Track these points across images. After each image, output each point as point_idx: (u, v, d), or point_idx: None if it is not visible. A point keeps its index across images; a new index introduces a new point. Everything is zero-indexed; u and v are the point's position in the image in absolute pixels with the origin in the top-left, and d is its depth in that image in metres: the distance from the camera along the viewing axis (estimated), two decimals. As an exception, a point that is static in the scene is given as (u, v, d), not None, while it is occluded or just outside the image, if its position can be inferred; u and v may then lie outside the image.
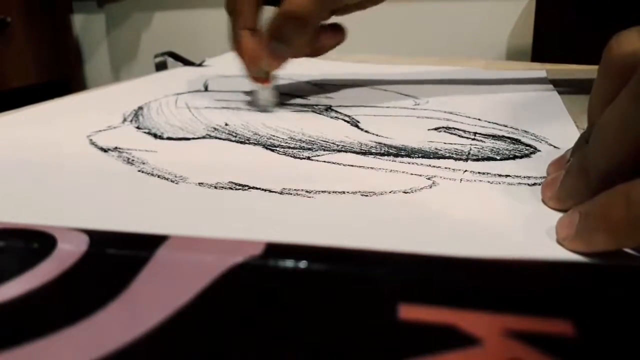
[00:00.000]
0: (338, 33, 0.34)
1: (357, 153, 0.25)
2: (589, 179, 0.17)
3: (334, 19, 0.34)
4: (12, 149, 0.26)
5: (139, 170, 0.22)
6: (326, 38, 0.33)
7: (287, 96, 0.37)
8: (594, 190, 0.16)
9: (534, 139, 0.26)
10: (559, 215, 0.17)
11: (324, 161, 0.24)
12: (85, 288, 0.14)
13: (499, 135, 0.27)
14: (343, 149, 0.25)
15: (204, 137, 0.27)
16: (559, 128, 0.28)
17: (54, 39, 1.31)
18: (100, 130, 0.28)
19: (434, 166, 0.23)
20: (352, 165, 0.23)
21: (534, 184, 0.21)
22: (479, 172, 0.22)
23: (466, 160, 0.24)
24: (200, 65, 0.51)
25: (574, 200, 0.17)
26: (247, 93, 0.37)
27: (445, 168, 0.23)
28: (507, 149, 0.25)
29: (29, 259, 0.15)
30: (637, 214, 0.13)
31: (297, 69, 0.46)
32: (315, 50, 0.34)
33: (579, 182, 0.17)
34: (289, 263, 0.14)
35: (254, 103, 0.34)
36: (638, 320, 0.12)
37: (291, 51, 0.31)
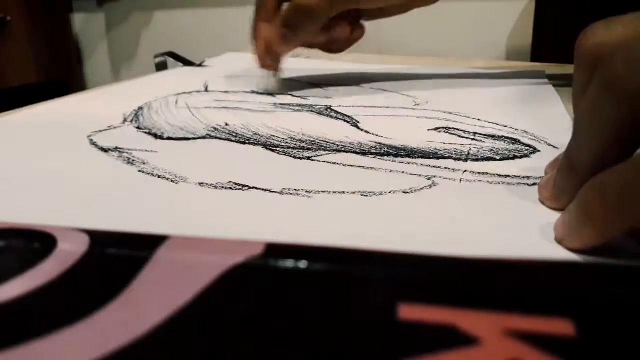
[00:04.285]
0: (357, 29, 0.38)
1: (357, 153, 0.25)
2: (578, 175, 0.17)
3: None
4: (12, 149, 0.26)
5: (139, 171, 0.22)
6: (341, 31, 0.37)
7: (287, 96, 0.37)
8: None
9: (533, 139, 0.26)
10: (558, 215, 0.17)
11: (324, 161, 0.24)
12: (86, 288, 0.14)
13: (498, 136, 0.27)
14: (343, 149, 0.25)
15: (204, 137, 0.27)
16: (558, 128, 0.28)
17: (54, 38, 1.31)
18: (100, 131, 0.28)
19: (433, 166, 0.23)
20: (352, 166, 0.23)
21: (534, 184, 0.21)
22: (478, 172, 0.22)
23: (466, 160, 0.24)
24: (200, 65, 0.51)
25: (569, 198, 0.17)
26: (254, 79, 0.40)
27: (445, 168, 0.23)
28: (506, 149, 0.25)
29: (29, 259, 0.15)
30: (613, 202, 0.14)
31: (298, 69, 0.46)
32: (330, 42, 0.38)
33: (570, 180, 0.17)
34: (289, 263, 0.14)
35: (259, 86, 0.39)
36: (638, 320, 0.12)
37: (299, 38, 0.36)
